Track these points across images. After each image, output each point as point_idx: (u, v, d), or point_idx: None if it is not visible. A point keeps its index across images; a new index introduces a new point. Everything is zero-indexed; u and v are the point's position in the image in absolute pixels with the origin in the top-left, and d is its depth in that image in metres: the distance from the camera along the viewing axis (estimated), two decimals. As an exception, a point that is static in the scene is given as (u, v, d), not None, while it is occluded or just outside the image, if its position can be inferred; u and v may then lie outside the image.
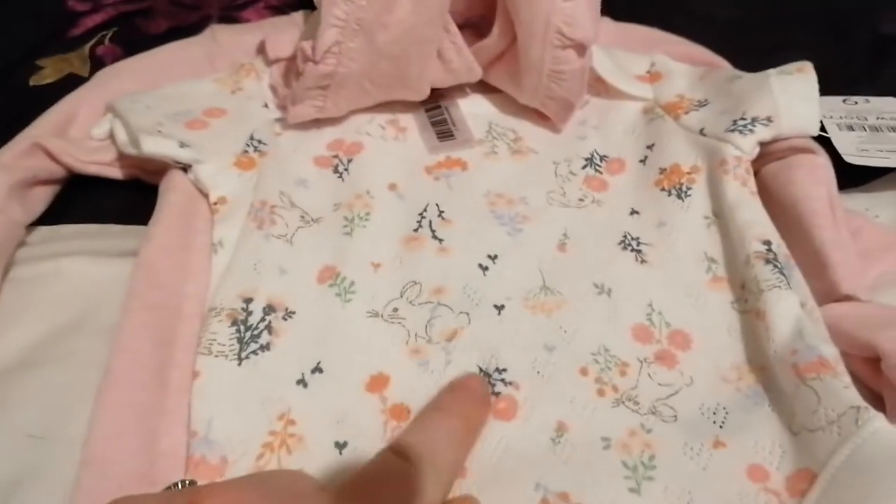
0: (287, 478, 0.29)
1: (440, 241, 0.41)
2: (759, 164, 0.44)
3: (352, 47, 0.40)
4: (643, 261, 0.41)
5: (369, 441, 0.34)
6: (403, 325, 0.38)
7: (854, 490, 0.30)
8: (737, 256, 0.40)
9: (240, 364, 0.34)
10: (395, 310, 0.38)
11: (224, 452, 0.32)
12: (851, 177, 0.46)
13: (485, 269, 0.40)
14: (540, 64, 0.42)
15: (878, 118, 0.49)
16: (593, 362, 0.37)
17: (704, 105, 0.46)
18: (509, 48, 0.44)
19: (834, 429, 0.32)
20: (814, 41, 0.54)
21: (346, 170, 0.43)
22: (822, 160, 0.42)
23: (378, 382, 0.35)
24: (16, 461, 0.33)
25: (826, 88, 0.45)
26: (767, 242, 0.39)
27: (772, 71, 0.45)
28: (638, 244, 0.41)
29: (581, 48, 0.42)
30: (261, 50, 0.47)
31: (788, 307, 0.36)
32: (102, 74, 0.46)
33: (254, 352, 0.35)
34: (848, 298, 0.38)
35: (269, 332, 0.36)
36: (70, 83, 0.47)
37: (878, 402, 0.35)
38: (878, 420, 0.31)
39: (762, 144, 0.43)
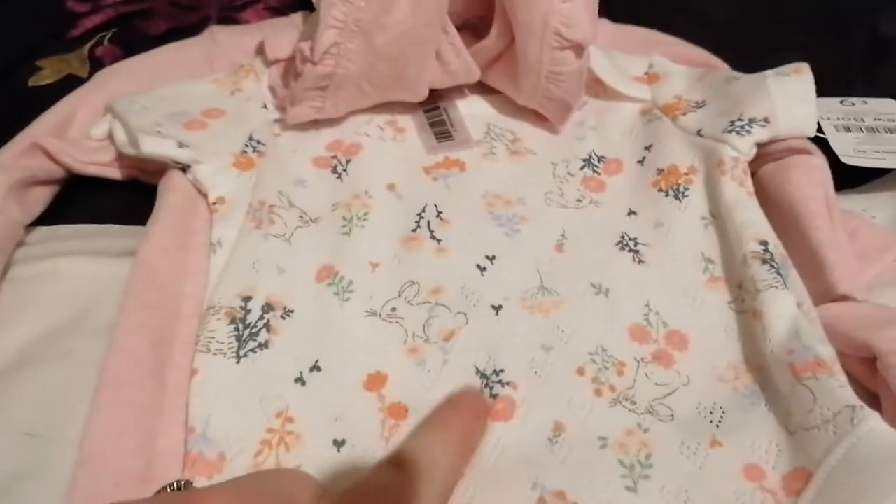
0: (287, 483, 0.28)
1: (438, 241, 0.41)
2: (756, 164, 0.44)
3: (350, 48, 0.40)
4: (640, 261, 0.41)
5: (367, 439, 0.34)
6: (401, 324, 0.38)
7: (850, 489, 0.30)
8: (734, 257, 0.40)
9: (238, 362, 0.35)
10: (394, 309, 0.38)
11: (222, 449, 0.32)
12: (848, 178, 0.46)
13: (483, 269, 0.40)
14: (538, 65, 0.43)
15: (875, 119, 0.49)
16: (590, 362, 0.37)
17: (702, 106, 0.46)
18: (507, 49, 0.44)
19: (830, 428, 0.32)
20: (812, 42, 0.54)
21: (344, 170, 0.44)
22: (819, 161, 0.42)
23: (376, 381, 0.36)
24: (12, 459, 0.33)
25: (824, 89, 0.45)
26: (764, 243, 0.39)
27: (769, 72, 0.45)
28: (635, 244, 0.42)
29: (579, 49, 0.42)
30: (260, 51, 0.47)
31: (785, 307, 0.36)
32: (101, 75, 0.47)
33: (252, 350, 0.35)
34: (844, 298, 0.38)
35: (268, 331, 0.36)
36: (69, 84, 0.47)
37: (874, 401, 0.35)
38: (873, 419, 0.31)
39: (759, 145, 0.43)
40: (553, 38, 0.41)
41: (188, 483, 0.28)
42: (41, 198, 0.42)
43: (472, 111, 0.48)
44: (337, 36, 0.40)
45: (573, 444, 0.34)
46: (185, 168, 0.41)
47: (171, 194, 0.40)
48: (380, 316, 0.38)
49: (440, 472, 0.29)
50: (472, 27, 0.47)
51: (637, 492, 0.32)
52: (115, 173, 0.44)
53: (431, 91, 0.45)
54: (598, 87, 0.48)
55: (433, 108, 0.47)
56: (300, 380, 0.35)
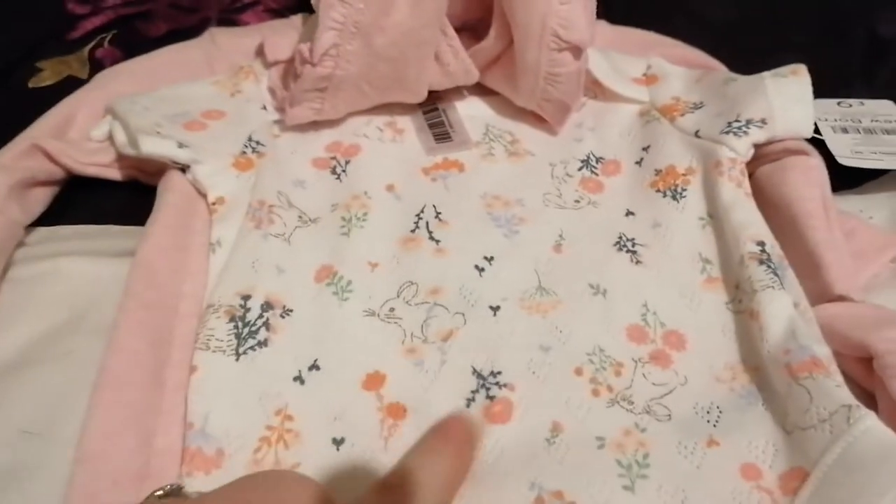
0: (285, 490, 0.28)
1: (437, 241, 0.41)
2: (753, 165, 0.44)
3: (349, 50, 0.41)
4: (638, 261, 0.41)
5: (367, 438, 0.34)
6: (400, 324, 0.38)
7: (846, 488, 0.31)
8: (731, 257, 0.40)
9: (237, 359, 0.35)
10: (392, 309, 0.38)
11: (220, 445, 0.32)
12: (846, 179, 0.46)
13: (481, 270, 0.40)
14: (536, 66, 0.43)
15: (872, 121, 0.49)
16: (588, 362, 0.37)
17: (700, 107, 0.46)
18: (506, 51, 0.45)
19: (826, 427, 0.32)
20: (810, 43, 0.54)
21: (343, 171, 0.44)
22: (816, 161, 0.43)
23: (374, 381, 0.36)
24: (10, 457, 0.33)
25: (822, 90, 0.45)
26: (761, 243, 0.39)
27: (766, 74, 0.46)
28: (633, 245, 0.42)
29: (577, 51, 0.42)
30: (259, 53, 0.47)
31: (782, 307, 0.36)
32: (101, 77, 0.47)
33: (251, 347, 0.35)
34: (841, 299, 0.38)
35: (267, 329, 0.36)
36: (69, 85, 0.47)
37: (870, 401, 0.35)
38: (869, 418, 0.32)
39: (756, 146, 0.44)
40: (551, 39, 0.41)
41: (178, 488, 0.28)
42: (41, 198, 0.43)
43: (470, 112, 0.48)
44: (336, 37, 0.40)
45: (571, 444, 0.34)
46: (184, 168, 0.41)
47: (171, 194, 0.40)
48: (378, 316, 0.38)
49: (428, 499, 0.29)
50: (471, 29, 0.47)
51: (634, 491, 0.32)
52: (114, 174, 0.44)
53: (430, 92, 0.45)
54: (596, 89, 0.48)
55: (432, 109, 0.48)
56: (299, 378, 0.35)
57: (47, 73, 0.50)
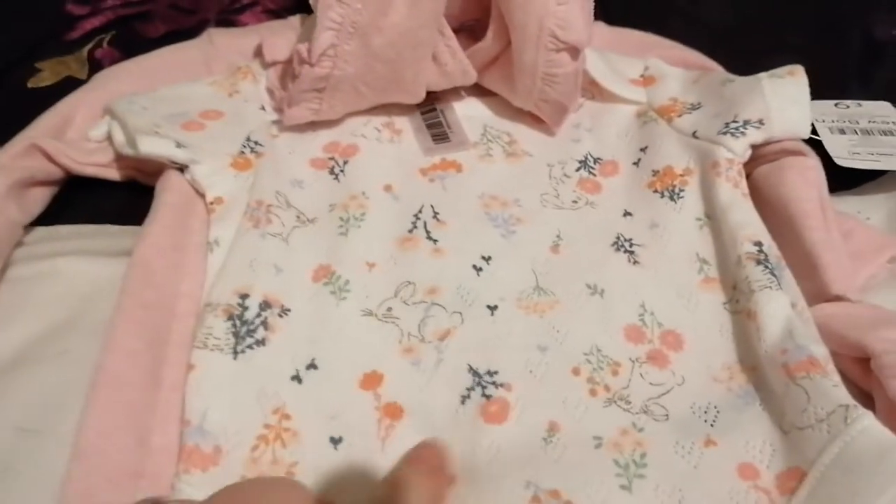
0: (279, 497, 0.27)
1: (434, 241, 0.41)
2: (750, 166, 0.44)
3: (347, 50, 0.41)
4: (636, 262, 0.41)
5: (364, 438, 0.34)
6: (397, 324, 0.38)
7: (843, 487, 0.31)
8: (728, 257, 0.40)
9: (235, 358, 0.35)
10: (389, 309, 0.38)
11: (218, 442, 0.32)
12: (843, 180, 0.46)
13: (478, 269, 0.40)
14: (534, 67, 0.43)
15: (869, 122, 0.49)
16: (585, 362, 0.37)
17: (697, 108, 0.46)
18: (504, 51, 0.45)
19: (823, 427, 0.32)
20: (807, 45, 0.54)
21: (341, 171, 0.44)
22: (813, 162, 0.43)
23: (372, 380, 0.36)
24: (5, 454, 0.33)
25: (819, 92, 0.45)
26: (759, 243, 0.39)
27: (763, 74, 0.46)
28: (631, 245, 0.42)
29: (574, 51, 0.42)
30: (258, 53, 0.47)
31: (779, 307, 0.37)
32: (100, 77, 0.47)
33: (249, 346, 0.35)
34: (838, 299, 0.38)
35: (265, 328, 0.36)
36: (68, 86, 0.48)
37: (867, 401, 0.35)
38: (866, 418, 0.32)
39: (754, 147, 0.44)
40: (548, 40, 0.42)
41: (156, 501, 0.28)
42: (39, 198, 0.43)
43: (468, 113, 0.48)
44: (334, 38, 0.40)
45: (568, 443, 0.34)
46: (182, 168, 0.41)
47: (169, 194, 0.40)
48: (376, 316, 0.38)
49: None
50: (469, 30, 0.47)
51: (632, 491, 0.32)
52: (113, 174, 0.44)
53: (428, 93, 0.46)
54: (593, 90, 0.49)
55: (430, 109, 0.48)
56: (297, 377, 0.35)
57: (46, 74, 0.50)
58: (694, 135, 0.45)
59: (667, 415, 0.35)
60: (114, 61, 0.50)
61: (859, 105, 0.50)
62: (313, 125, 0.45)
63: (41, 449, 0.33)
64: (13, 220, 0.41)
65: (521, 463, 0.33)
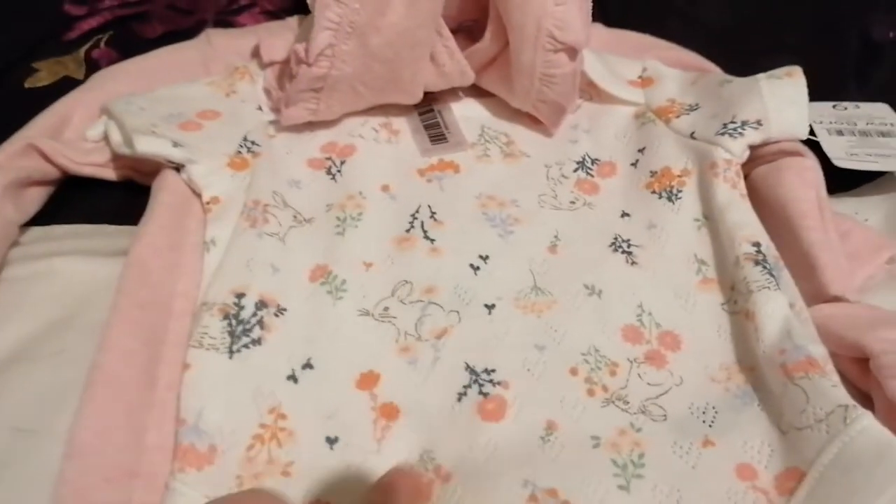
0: None
1: (432, 241, 0.41)
2: (748, 167, 0.44)
3: (345, 50, 0.41)
4: (633, 262, 0.41)
5: (360, 438, 0.34)
6: (394, 323, 0.38)
7: (842, 488, 0.31)
8: (726, 258, 0.40)
9: (231, 357, 0.35)
10: (386, 308, 0.38)
11: (213, 441, 0.32)
12: (842, 181, 0.46)
13: (476, 269, 0.40)
14: (531, 67, 0.43)
15: (867, 123, 0.49)
16: (583, 362, 0.37)
17: (695, 109, 0.46)
18: (502, 52, 0.45)
19: (822, 427, 0.32)
20: (805, 45, 0.54)
21: (338, 171, 0.44)
22: (811, 163, 0.43)
23: (368, 380, 0.36)
24: (1, 454, 0.33)
25: (817, 92, 0.45)
26: (757, 244, 0.39)
27: (761, 75, 0.46)
28: (628, 246, 0.42)
29: (572, 52, 0.42)
30: (255, 53, 0.47)
31: (777, 308, 0.36)
32: (98, 77, 0.47)
33: (245, 345, 0.35)
34: (836, 299, 0.38)
35: (261, 328, 0.36)
36: (65, 86, 0.47)
37: (866, 402, 0.35)
38: (865, 418, 0.32)
39: (752, 147, 0.44)
40: (546, 40, 0.41)
41: None
42: (36, 198, 0.43)
43: (466, 114, 0.48)
44: (331, 37, 0.40)
45: (565, 443, 0.34)
46: (179, 168, 0.41)
47: (165, 194, 0.40)
48: (372, 315, 0.38)
49: None
50: (467, 30, 0.47)
51: (630, 491, 0.32)
52: (110, 174, 0.44)
53: (426, 94, 0.45)
54: (591, 91, 0.49)
55: (427, 110, 0.48)
56: (293, 377, 0.35)
57: (44, 74, 0.50)
58: (692, 136, 0.45)
59: (665, 415, 0.35)
60: (111, 62, 0.50)
61: (857, 107, 0.50)
62: (311, 125, 0.45)
63: (37, 449, 0.33)
64: (9, 219, 0.41)
65: (518, 461, 0.33)
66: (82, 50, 0.52)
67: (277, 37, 0.47)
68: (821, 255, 0.39)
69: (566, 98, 0.45)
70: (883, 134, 0.48)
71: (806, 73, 0.45)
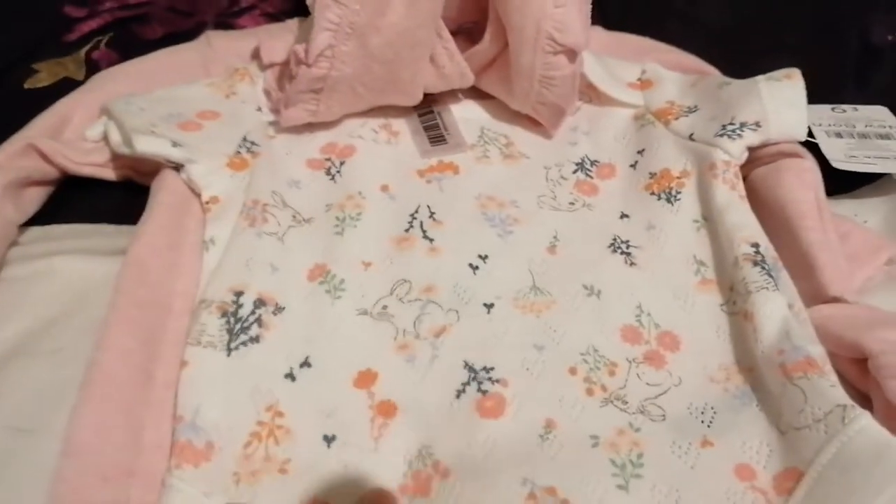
0: None
1: (431, 240, 0.41)
2: (747, 168, 0.45)
3: (344, 51, 0.41)
4: (632, 263, 0.41)
5: (357, 436, 0.34)
6: (392, 322, 0.38)
7: (841, 487, 0.30)
8: (725, 259, 0.40)
9: (228, 355, 0.35)
10: (385, 307, 0.38)
11: (210, 438, 0.32)
12: (841, 184, 0.46)
13: (475, 268, 0.40)
14: (531, 69, 0.43)
15: (866, 126, 0.49)
16: (582, 362, 0.37)
17: (694, 111, 0.46)
18: (501, 54, 0.45)
19: (821, 427, 0.32)
20: (804, 47, 0.54)
21: (338, 172, 0.44)
22: (810, 164, 0.43)
23: (366, 378, 0.36)
24: (-1, 452, 0.33)
25: (815, 94, 0.45)
26: (755, 245, 0.39)
27: (760, 77, 0.46)
28: (627, 247, 0.42)
29: (572, 54, 0.42)
30: (255, 55, 0.47)
31: (776, 308, 0.36)
32: (98, 78, 0.47)
33: (243, 343, 0.35)
34: (835, 300, 0.38)
35: (259, 326, 0.36)
36: (65, 87, 0.47)
37: (865, 402, 0.35)
38: (864, 418, 0.32)
39: (751, 149, 0.44)
40: (546, 42, 0.42)
41: None
42: (35, 198, 0.43)
43: (465, 115, 0.48)
44: (331, 38, 0.40)
45: (564, 441, 0.34)
46: (178, 168, 0.41)
47: (164, 194, 0.40)
48: (371, 314, 0.38)
49: None
50: (467, 32, 0.47)
51: (628, 490, 0.32)
52: (109, 174, 0.44)
53: (426, 95, 0.46)
54: (591, 93, 0.49)
55: (427, 111, 0.48)
56: (290, 375, 0.35)
57: (43, 75, 0.50)
58: (691, 137, 0.45)
59: (663, 415, 0.35)
60: (111, 63, 0.50)
61: (856, 109, 0.51)
62: (310, 126, 0.45)
63: (35, 448, 0.33)
64: (9, 219, 0.41)
65: (517, 459, 0.33)
66: (82, 51, 0.52)
67: (277, 39, 0.47)
68: (820, 255, 0.39)
69: (565, 100, 0.45)
70: (882, 136, 0.48)
71: (805, 75, 0.45)
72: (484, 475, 0.32)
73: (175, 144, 0.40)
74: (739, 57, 0.50)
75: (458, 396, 0.35)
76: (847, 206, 0.45)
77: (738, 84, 0.46)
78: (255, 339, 0.35)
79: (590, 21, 0.44)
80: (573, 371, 0.36)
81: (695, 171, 0.44)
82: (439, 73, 0.45)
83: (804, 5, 0.58)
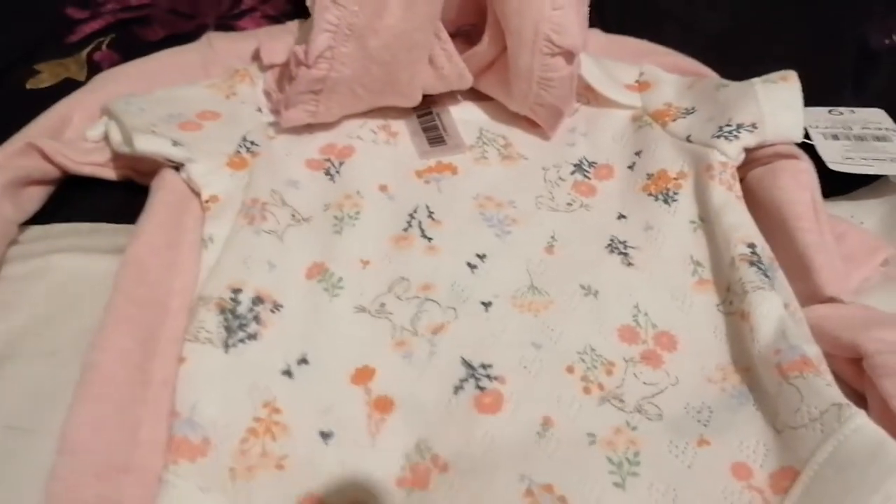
0: None
1: (429, 239, 0.41)
2: (744, 170, 0.45)
3: (344, 52, 0.41)
4: (630, 264, 0.41)
5: (354, 433, 0.34)
6: (390, 319, 0.38)
7: (837, 486, 0.31)
8: (722, 259, 0.40)
9: (226, 351, 0.35)
10: (383, 305, 0.38)
11: (207, 434, 0.32)
12: (838, 186, 0.46)
13: (473, 267, 0.40)
14: (529, 71, 0.43)
15: (862, 128, 0.49)
16: (579, 361, 0.37)
17: (691, 112, 0.46)
18: (500, 56, 0.45)
19: (817, 426, 0.32)
20: (802, 51, 0.54)
21: (337, 172, 0.44)
22: (806, 165, 0.43)
23: (363, 375, 0.36)
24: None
25: (813, 98, 0.45)
26: (752, 245, 0.39)
27: (757, 79, 0.46)
28: (625, 247, 0.42)
29: (569, 55, 0.43)
30: (256, 56, 0.48)
31: (772, 308, 0.37)
32: (99, 79, 0.47)
33: (241, 340, 0.35)
34: (831, 300, 0.39)
35: (257, 323, 0.36)
36: (67, 87, 0.48)
37: (860, 402, 0.35)
38: (859, 417, 0.32)
39: (747, 150, 0.44)
40: (544, 44, 0.42)
41: None
42: (35, 197, 0.43)
43: (464, 116, 0.48)
44: (330, 40, 0.40)
45: (561, 439, 0.34)
46: (178, 167, 0.41)
47: (163, 193, 0.40)
48: (369, 312, 0.38)
49: None
50: (465, 34, 0.48)
51: (625, 489, 0.32)
52: (110, 174, 0.44)
53: (425, 97, 0.46)
54: (589, 95, 0.49)
55: (426, 113, 0.48)
56: (288, 372, 0.35)
57: (45, 75, 0.50)
58: (688, 139, 0.45)
59: (660, 414, 0.35)
60: (113, 64, 0.50)
61: (853, 112, 0.51)
62: (310, 127, 0.45)
63: (31, 446, 0.33)
64: (8, 218, 0.41)
65: (515, 456, 0.33)
66: (84, 52, 0.52)
67: (278, 40, 0.47)
68: (816, 256, 0.39)
69: (563, 101, 0.45)
70: (878, 138, 0.49)
71: (803, 78, 0.46)
72: (482, 471, 0.32)
73: (175, 143, 0.40)
74: (737, 60, 0.51)
75: (455, 393, 0.35)
76: (844, 208, 0.46)
77: (734, 86, 0.47)
78: (253, 337, 0.36)
79: (587, 23, 0.44)
80: (570, 370, 0.36)
81: (692, 172, 0.44)
82: (438, 75, 0.45)
83: (801, 9, 0.58)
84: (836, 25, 0.57)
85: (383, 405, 0.35)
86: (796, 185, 0.42)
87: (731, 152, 0.43)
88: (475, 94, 0.48)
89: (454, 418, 0.34)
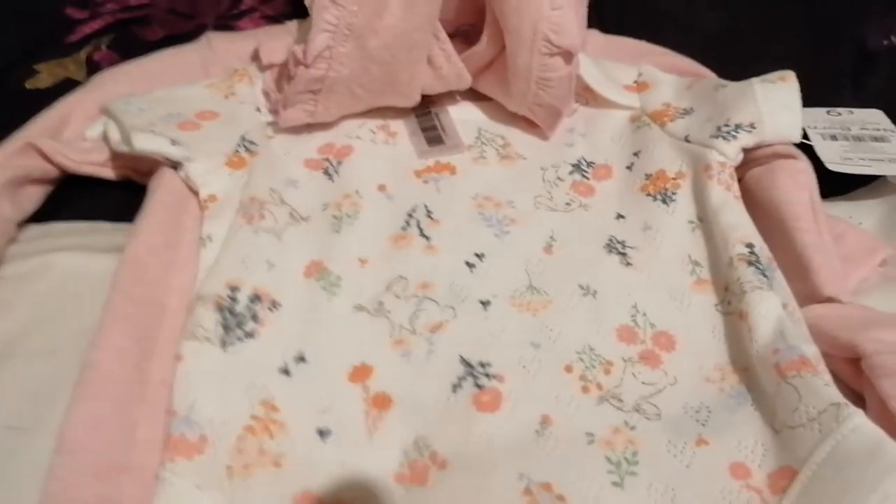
0: None
1: (428, 239, 0.41)
2: (742, 170, 0.45)
3: (342, 52, 0.41)
4: (628, 263, 0.41)
5: (352, 431, 0.34)
6: (388, 317, 0.38)
7: (835, 485, 0.31)
8: (720, 259, 0.40)
9: (224, 349, 0.35)
10: (381, 303, 0.38)
11: (204, 432, 0.32)
12: (836, 186, 0.46)
13: (471, 266, 0.40)
14: (528, 71, 0.43)
15: (861, 129, 0.49)
16: (578, 360, 0.37)
17: (689, 113, 0.46)
18: (498, 56, 0.45)
19: (815, 426, 0.32)
20: (800, 52, 0.54)
21: (335, 172, 0.44)
22: (804, 165, 0.43)
23: (361, 373, 0.36)
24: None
25: (811, 98, 0.46)
26: (750, 245, 0.39)
27: (755, 79, 0.46)
28: (623, 247, 0.42)
29: (568, 55, 0.43)
30: (255, 56, 0.48)
31: (770, 308, 0.37)
32: (98, 79, 0.47)
33: (238, 338, 0.35)
34: (830, 300, 0.39)
35: (255, 321, 0.36)
36: (66, 87, 0.48)
37: (859, 402, 0.35)
38: (857, 416, 0.32)
39: (746, 150, 0.44)
40: (543, 44, 0.42)
41: None
42: (34, 197, 0.43)
43: (463, 116, 0.48)
44: (329, 39, 0.40)
45: (560, 438, 0.34)
46: (176, 166, 0.41)
47: (162, 192, 0.40)
48: (367, 310, 0.38)
49: None
50: (464, 34, 0.48)
51: (624, 488, 0.32)
52: (109, 173, 0.44)
53: (423, 97, 0.46)
54: (587, 95, 0.49)
55: (425, 112, 0.48)
56: (285, 370, 0.35)
57: (44, 76, 0.50)
58: (686, 139, 0.45)
59: (659, 414, 0.35)
60: (112, 64, 0.50)
61: (851, 112, 0.51)
62: (309, 127, 0.45)
63: (29, 446, 0.33)
64: (7, 217, 0.41)
65: (513, 454, 0.33)
66: (83, 52, 0.52)
67: (277, 40, 0.47)
68: (814, 256, 0.39)
69: (562, 101, 0.45)
70: (876, 139, 0.49)
71: (801, 79, 0.46)
72: (481, 469, 0.32)
73: (174, 143, 0.40)
74: (735, 60, 0.51)
75: (454, 391, 0.35)
76: (842, 208, 0.46)
77: (733, 86, 0.47)
78: (251, 335, 0.36)
79: (586, 23, 0.44)
80: (569, 369, 0.36)
81: (690, 172, 0.44)
82: (437, 75, 0.45)
83: (800, 10, 0.58)
84: (834, 26, 0.57)
85: (381, 402, 0.35)
86: (795, 185, 0.42)
87: (730, 152, 0.43)
88: (474, 94, 0.48)
89: (453, 416, 0.34)
